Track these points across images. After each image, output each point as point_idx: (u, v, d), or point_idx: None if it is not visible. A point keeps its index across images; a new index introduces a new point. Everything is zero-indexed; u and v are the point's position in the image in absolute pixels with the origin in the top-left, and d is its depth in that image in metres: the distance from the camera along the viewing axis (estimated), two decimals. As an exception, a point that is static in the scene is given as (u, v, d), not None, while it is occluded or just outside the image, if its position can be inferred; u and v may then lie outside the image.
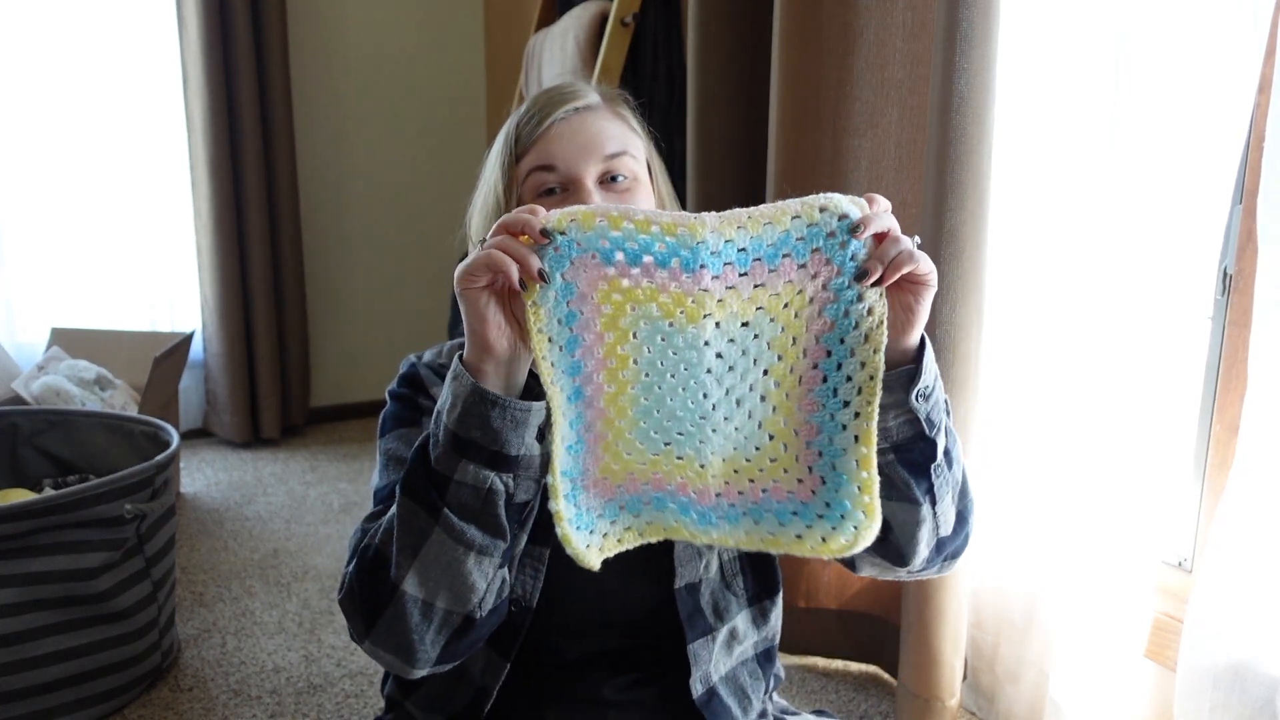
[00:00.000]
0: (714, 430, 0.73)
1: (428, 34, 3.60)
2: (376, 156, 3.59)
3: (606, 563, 0.75)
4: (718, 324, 0.71)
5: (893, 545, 0.81)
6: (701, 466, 0.74)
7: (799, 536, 0.74)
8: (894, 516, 0.79)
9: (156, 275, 3.25)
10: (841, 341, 0.72)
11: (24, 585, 1.51)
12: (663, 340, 0.72)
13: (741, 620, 0.94)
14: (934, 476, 0.78)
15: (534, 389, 0.75)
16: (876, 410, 0.71)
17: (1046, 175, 1.47)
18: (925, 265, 0.71)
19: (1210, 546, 1.26)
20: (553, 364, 0.71)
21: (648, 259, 0.69)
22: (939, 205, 1.41)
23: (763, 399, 0.73)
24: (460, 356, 0.74)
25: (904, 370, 0.76)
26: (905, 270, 0.69)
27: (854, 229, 0.69)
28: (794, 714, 1.03)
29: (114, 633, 1.62)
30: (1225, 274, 1.37)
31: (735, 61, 1.91)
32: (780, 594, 0.99)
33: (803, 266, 0.70)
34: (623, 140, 0.88)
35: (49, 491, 1.80)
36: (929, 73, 1.52)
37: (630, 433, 0.74)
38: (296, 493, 2.86)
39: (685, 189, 1.98)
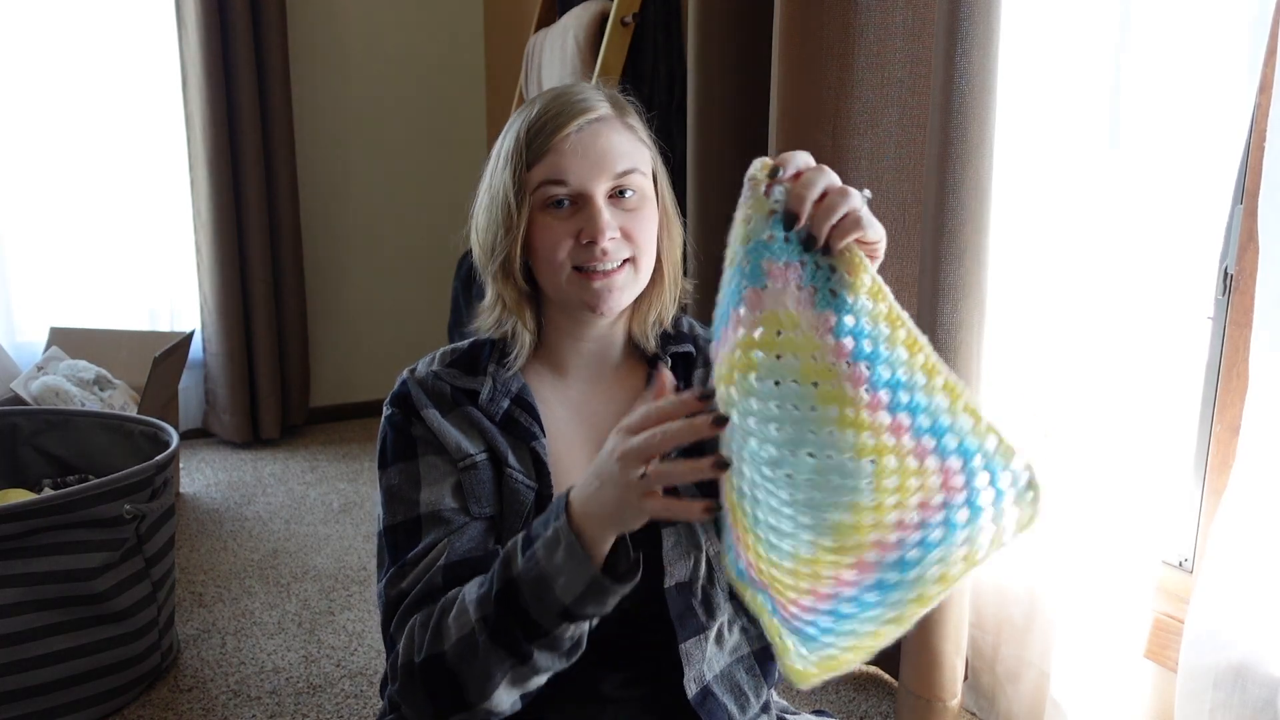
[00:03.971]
0: (840, 481, 0.62)
1: (427, 34, 3.60)
2: (376, 156, 3.59)
3: None
4: (748, 392, 0.63)
5: None
6: (852, 527, 0.63)
7: (969, 541, 0.64)
8: None
9: (156, 275, 3.25)
10: (853, 319, 0.63)
11: (24, 585, 1.50)
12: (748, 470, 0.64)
13: (728, 613, 0.94)
14: None
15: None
16: (932, 362, 0.64)
17: (1047, 175, 1.47)
18: (875, 232, 0.66)
19: (1210, 546, 1.26)
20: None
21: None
22: (939, 205, 1.40)
23: (833, 432, 0.62)
24: (568, 513, 0.74)
25: None
26: (853, 236, 0.65)
27: (773, 174, 0.65)
28: (794, 713, 1.03)
29: (114, 633, 1.62)
30: (1225, 274, 1.37)
31: (735, 61, 1.90)
32: None
33: (764, 289, 0.63)
34: (632, 156, 0.88)
35: (49, 491, 1.80)
36: (929, 73, 1.52)
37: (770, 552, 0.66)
38: (296, 493, 2.86)
39: (685, 189, 1.98)
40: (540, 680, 0.80)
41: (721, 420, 0.64)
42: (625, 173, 0.87)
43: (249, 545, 2.45)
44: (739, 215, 0.65)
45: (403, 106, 3.60)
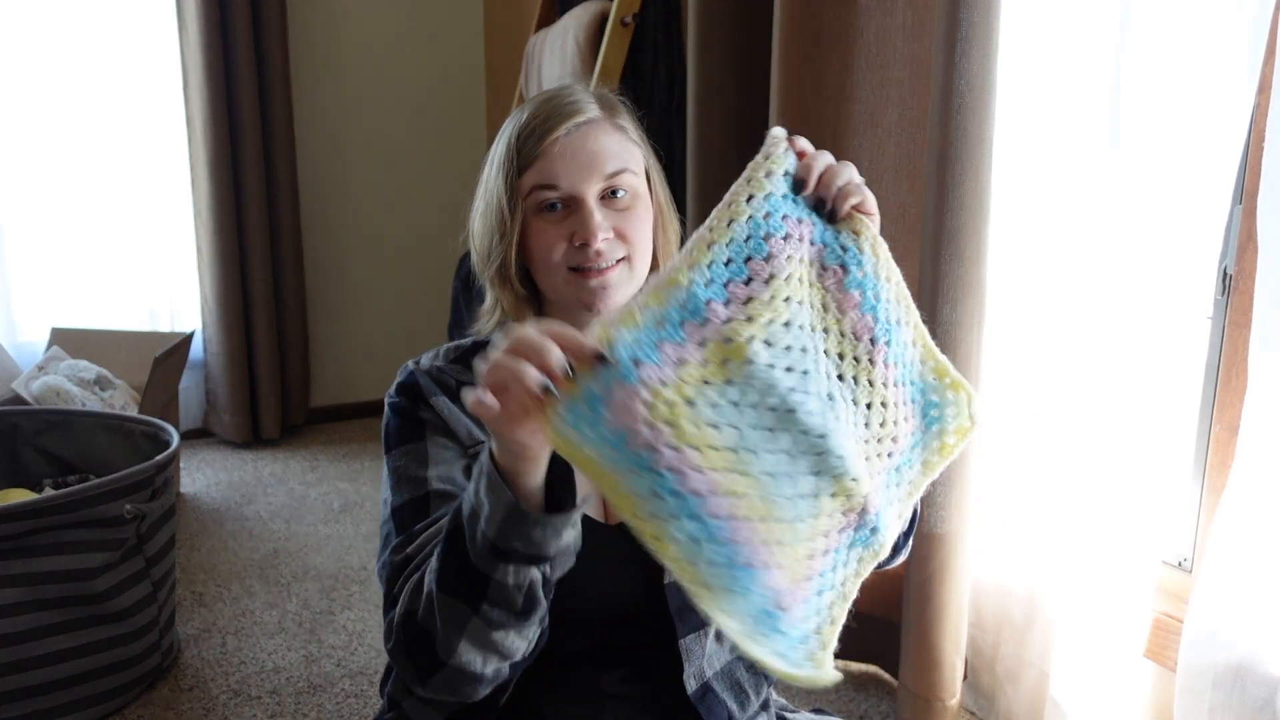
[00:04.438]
0: (838, 436, 0.67)
1: (427, 34, 3.60)
2: (376, 156, 3.59)
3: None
4: (766, 341, 0.66)
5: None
6: (854, 480, 0.68)
7: (925, 464, 0.76)
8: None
9: (156, 275, 3.25)
10: (861, 274, 0.72)
11: (24, 585, 1.51)
12: (736, 406, 0.64)
13: None
14: None
15: (565, 470, 0.75)
16: (912, 307, 0.75)
17: (1047, 175, 1.47)
18: (870, 201, 0.75)
19: (1210, 546, 1.26)
20: (653, 515, 0.61)
21: (663, 346, 0.63)
22: (939, 205, 1.41)
23: (841, 378, 0.70)
24: (491, 453, 0.72)
25: None
26: (854, 200, 0.73)
27: (796, 186, 0.71)
28: (793, 712, 1.03)
29: (114, 633, 1.62)
30: (1225, 274, 1.37)
31: (735, 61, 1.91)
32: None
33: (786, 237, 0.69)
34: (622, 157, 0.89)
35: (49, 491, 1.80)
36: (929, 73, 1.52)
37: (784, 520, 0.65)
38: (296, 493, 2.86)
39: (685, 189, 1.98)
40: (509, 643, 0.76)
41: (601, 358, 0.62)
42: (616, 173, 0.88)
43: (249, 545, 2.45)
44: (760, 168, 0.70)
45: (403, 106, 3.60)
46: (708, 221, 0.68)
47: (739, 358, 0.65)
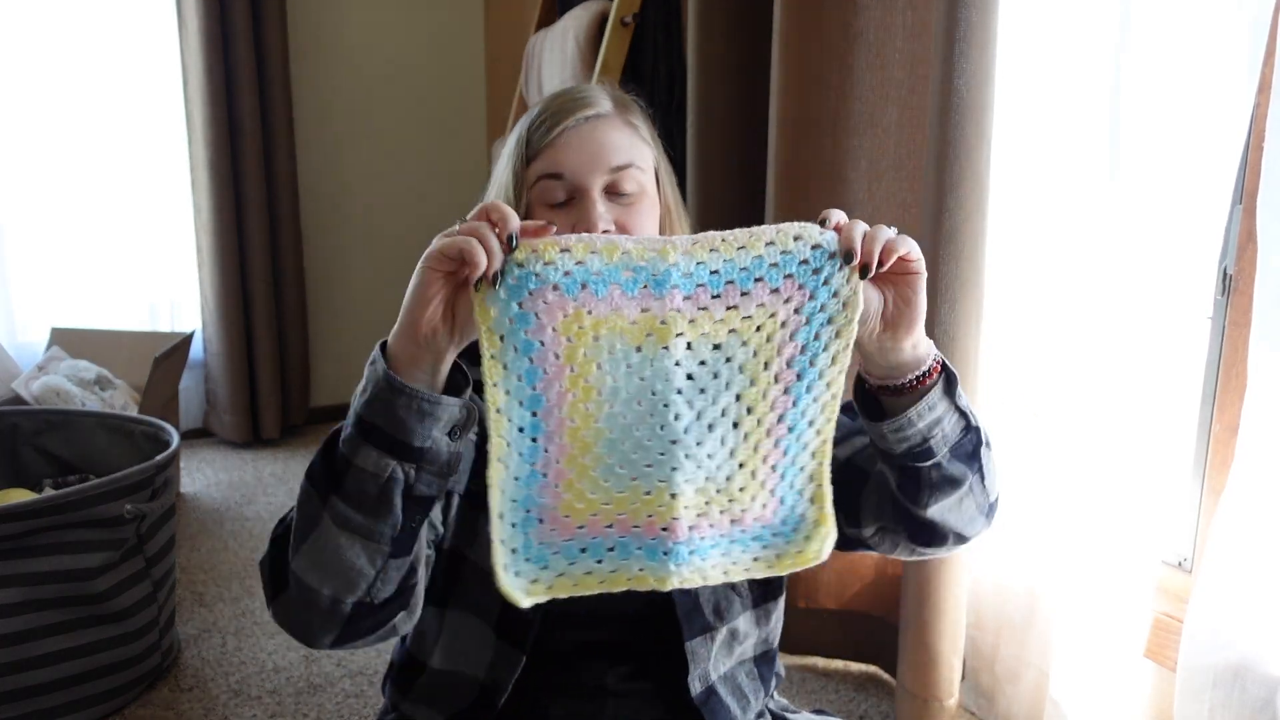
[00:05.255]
0: (686, 456, 0.72)
1: (427, 34, 3.60)
2: (376, 156, 3.59)
3: None
4: (689, 344, 0.70)
5: (958, 535, 0.85)
6: (672, 496, 0.72)
7: (755, 560, 0.75)
8: (957, 509, 0.83)
9: (156, 275, 3.25)
10: (811, 364, 0.72)
11: (24, 585, 1.51)
12: (629, 368, 0.70)
13: (744, 621, 0.94)
14: (983, 458, 0.84)
15: (458, 384, 0.75)
16: (834, 425, 0.74)
17: (1046, 175, 1.47)
18: (915, 250, 0.73)
19: (1210, 546, 1.26)
20: (507, 391, 0.69)
21: (613, 288, 0.69)
22: (939, 205, 1.41)
23: (735, 425, 0.73)
24: (383, 342, 0.73)
25: (937, 380, 0.78)
26: (899, 254, 0.71)
27: (845, 256, 0.70)
28: (794, 712, 1.03)
29: (114, 633, 1.62)
30: (1225, 274, 1.37)
31: (735, 61, 1.91)
32: (783, 595, 0.99)
33: (775, 291, 0.70)
34: (630, 152, 0.89)
35: (49, 491, 1.80)
36: (929, 73, 1.52)
37: (595, 470, 0.72)
38: (296, 493, 2.86)
39: (685, 189, 1.98)
40: (352, 558, 0.73)
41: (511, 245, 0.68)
42: (622, 167, 0.87)
43: (249, 545, 2.45)
44: (793, 229, 0.71)
45: (403, 107, 3.60)
46: (727, 232, 0.70)
47: (660, 340, 0.70)
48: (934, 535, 0.85)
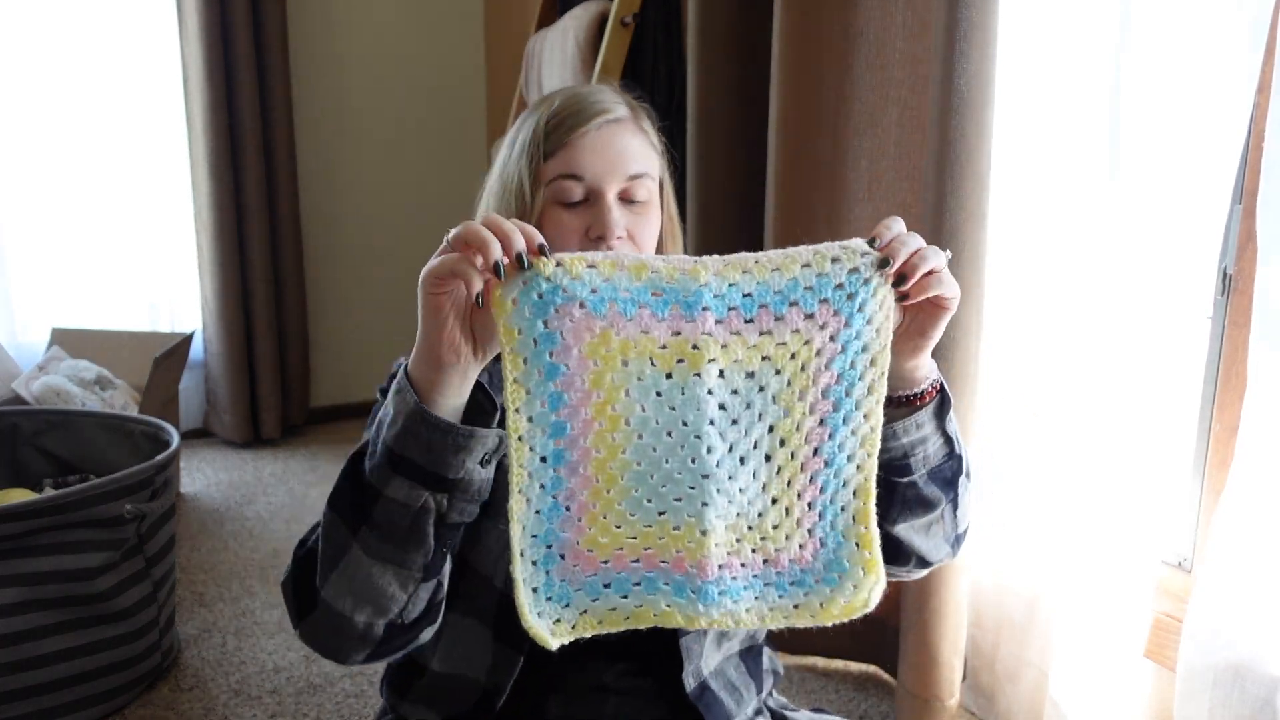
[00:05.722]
0: (718, 490, 0.68)
1: (427, 34, 3.60)
2: (376, 156, 3.59)
3: None
4: (721, 372, 0.67)
5: (921, 559, 0.86)
6: (703, 534, 0.68)
7: (797, 606, 0.72)
8: (925, 532, 0.83)
9: (156, 275, 3.25)
10: (848, 394, 0.69)
11: (24, 585, 1.51)
12: (659, 396, 0.67)
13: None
14: (959, 487, 0.83)
15: (482, 404, 0.74)
16: (875, 462, 0.71)
17: (1046, 175, 1.47)
18: (951, 289, 0.71)
19: (1210, 546, 1.27)
20: (529, 419, 0.66)
21: (642, 309, 0.66)
22: (939, 205, 1.41)
23: (768, 458, 0.69)
24: (405, 368, 0.73)
25: (930, 403, 0.78)
26: (933, 293, 0.69)
27: (881, 263, 0.67)
28: (793, 710, 1.03)
29: (114, 633, 1.62)
30: (1225, 274, 1.37)
31: (735, 61, 1.91)
32: None
33: (810, 317, 0.67)
34: (644, 160, 0.90)
35: (49, 491, 1.80)
36: (929, 73, 1.52)
37: (621, 503, 0.69)
38: (296, 493, 2.86)
39: (685, 189, 1.98)
40: (383, 585, 0.73)
41: (522, 262, 0.66)
42: (637, 176, 0.89)
43: (249, 545, 2.45)
44: (832, 250, 0.68)
45: (403, 107, 3.60)
46: (761, 254, 0.68)
47: (692, 367, 0.67)
48: (897, 554, 0.85)
